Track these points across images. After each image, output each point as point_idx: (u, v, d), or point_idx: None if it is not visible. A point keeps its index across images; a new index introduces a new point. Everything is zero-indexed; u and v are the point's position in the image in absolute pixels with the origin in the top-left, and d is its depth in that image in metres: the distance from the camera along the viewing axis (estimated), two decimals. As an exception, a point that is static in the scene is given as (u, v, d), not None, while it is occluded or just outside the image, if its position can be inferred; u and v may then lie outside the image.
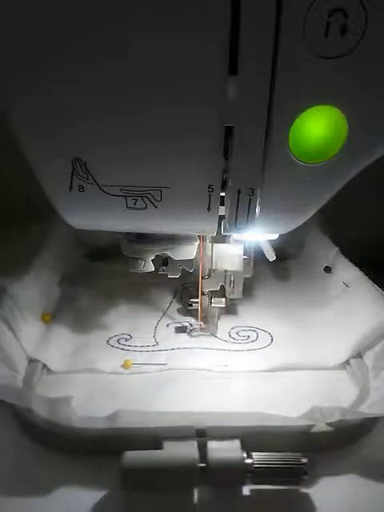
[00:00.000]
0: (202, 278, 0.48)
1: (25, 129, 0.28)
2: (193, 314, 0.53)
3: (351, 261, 0.54)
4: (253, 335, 0.51)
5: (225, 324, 0.53)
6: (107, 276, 0.59)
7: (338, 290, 0.54)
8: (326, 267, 0.57)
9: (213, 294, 0.50)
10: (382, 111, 0.27)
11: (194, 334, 0.51)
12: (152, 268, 0.42)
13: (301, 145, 0.28)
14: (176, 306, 0.56)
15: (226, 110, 0.27)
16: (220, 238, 0.46)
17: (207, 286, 0.50)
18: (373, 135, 0.28)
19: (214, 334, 0.51)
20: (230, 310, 0.55)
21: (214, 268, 0.48)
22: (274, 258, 0.44)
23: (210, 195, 0.31)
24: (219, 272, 0.48)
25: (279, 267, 0.63)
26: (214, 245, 0.47)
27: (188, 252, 0.41)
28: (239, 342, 0.50)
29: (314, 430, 0.36)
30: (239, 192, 0.30)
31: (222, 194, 0.32)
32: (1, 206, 0.58)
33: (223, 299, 0.51)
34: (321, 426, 0.36)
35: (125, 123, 0.28)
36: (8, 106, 0.27)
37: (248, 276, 0.50)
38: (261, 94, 0.26)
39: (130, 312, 0.54)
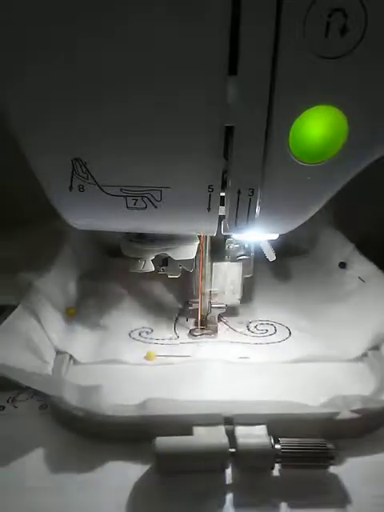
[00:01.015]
0: (202, 278, 0.49)
1: (25, 129, 0.28)
2: (193, 314, 0.53)
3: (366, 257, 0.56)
4: (271, 329, 0.52)
5: (243, 318, 0.54)
6: (126, 271, 0.59)
7: (353, 284, 0.55)
8: (341, 263, 0.58)
9: (213, 294, 0.51)
10: (382, 111, 0.27)
11: (195, 333, 0.51)
12: (152, 268, 0.42)
13: (301, 145, 0.28)
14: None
15: (226, 110, 0.27)
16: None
17: (207, 286, 0.50)
18: (373, 135, 0.28)
19: (214, 334, 0.51)
20: (246, 304, 0.56)
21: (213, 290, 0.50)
22: (274, 257, 0.44)
23: (209, 195, 0.31)
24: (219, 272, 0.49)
25: (293, 263, 0.64)
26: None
27: (188, 252, 0.42)
28: (258, 335, 0.52)
29: (338, 417, 0.37)
30: (239, 192, 0.30)
31: (222, 194, 0.32)
32: (22, 202, 0.59)
33: (223, 299, 0.51)
34: (344, 414, 0.37)
35: (125, 123, 0.28)
36: (8, 106, 0.27)
37: (248, 276, 0.50)
38: (261, 94, 0.26)
39: (150, 306, 0.56)
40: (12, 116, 0.28)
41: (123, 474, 0.36)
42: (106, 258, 0.64)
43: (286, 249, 0.63)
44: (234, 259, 0.48)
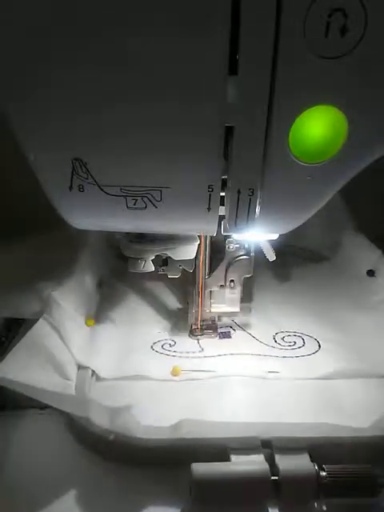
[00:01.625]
0: (202, 278, 0.48)
1: (25, 129, 0.28)
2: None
3: None
4: (299, 341, 0.50)
5: (267, 329, 0.52)
6: (142, 277, 0.57)
7: (383, 294, 0.53)
8: (370, 271, 0.56)
9: (213, 294, 0.50)
10: (382, 111, 0.27)
11: (196, 333, 0.51)
12: (152, 268, 0.42)
13: (301, 145, 0.28)
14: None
15: (226, 110, 0.27)
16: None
17: (207, 287, 0.49)
18: (373, 135, 0.28)
19: (214, 334, 0.51)
20: (270, 313, 0.54)
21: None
22: (274, 257, 0.44)
23: (209, 195, 0.31)
24: (219, 272, 0.48)
25: (314, 270, 0.62)
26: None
27: (188, 252, 0.41)
28: (286, 347, 0.49)
29: None
30: (239, 192, 0.30)
31: (222, 193, 0.32)
32: (36, 211, 0.58)
33: (223, 300, 0.51)
34: None
35: (125, 123, 0.28)
36: (8, 106, 0.27)
37: (248, 276, 0.50)
38: (261, 94, 0.26)
39: (170, 315, 0.54)
40: (12, 116, 0.28)
41: (157, 502, 0.34)
42: (123, 264, 0.60)
43: (308, 255, 0.62)
44: (233, 261, 0.48)
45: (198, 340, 0.50)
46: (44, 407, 0.41)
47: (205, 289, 0.49)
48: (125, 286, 0.58)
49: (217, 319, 0.52)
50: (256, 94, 0.26)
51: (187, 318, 0.53)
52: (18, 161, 0.30)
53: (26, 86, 0.27)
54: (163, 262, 0.44)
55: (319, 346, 0.49)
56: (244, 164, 0.29)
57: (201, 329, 0.51)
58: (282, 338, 0.51)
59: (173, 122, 0.28)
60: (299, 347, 0.49)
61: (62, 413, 0.39)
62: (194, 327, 0.52)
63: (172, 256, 0.42)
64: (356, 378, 0.44)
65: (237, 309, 0.51)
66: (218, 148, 0.28)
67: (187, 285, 0.52)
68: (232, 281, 0.49)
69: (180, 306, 0.56)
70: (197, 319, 0.51)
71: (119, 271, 0.60)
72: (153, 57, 0.25)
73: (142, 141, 0.28)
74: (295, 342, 0.50)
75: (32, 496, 0.34)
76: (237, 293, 0.51)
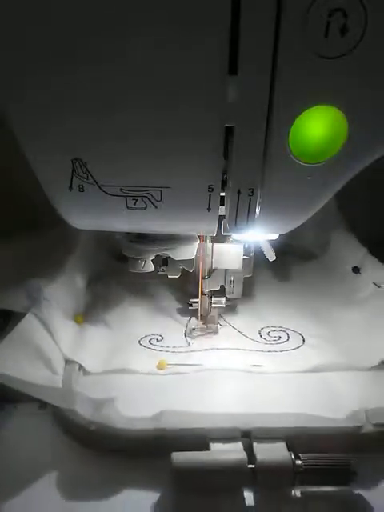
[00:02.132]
0: (203, 278, 0.48)
1: (25, 129, 0.28)
2: (194, 314, 0.53)
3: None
4: (284, 336, 0.51)
5: (254, 324, 0.53)
6: (134, 276, 0.58)
7: (367, 290, 0.54)
8: (355, 267, 0.57)
9: (213, 294, 0.50)
10: (382, 111, 0.27)
11: (195, 333, 0.51)
12: (152, 268, 0.42)
13: (301, 145, 0.28)
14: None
15: (226, 110, 0.27)
16: (220, 238, 0.46)
17: (207, 286, 0.50)
18: (373, 135, 0.28)
19: (214, 334, 0.51)
20: (257, 310, 0.55)
21: (213, 267, 0.48)
22: (274, 257, 0.44)
23: (209, 195, 0.31)
24: (219, 272, 0.48)
25: (303, 267, 0.63)
26: (214, 245, 0.47)
27: (188, 252, 0.41)
28: (271, 342, 0.50)
29: (361, 431, 0.36)
30: (239, 192, 0.30)
31: (222, 194, 0.32)
32: (31, 209, 0.58)
33: (223, 299, 0.51)
34: (367, 428, 0.36)
35: (125, 123, 0.28)
36: (8, 106, 0.27)
37: (248, 276, 0.50)
38: (261, 94, 0.26)
39: (160, 312, 0.55)
40: (12, 116, 0.28)
41: (136, 491, 0.34)
42: (114, 262, 0.63)
43: (294, 252, 0.63)
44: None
45: (192, 338, 0.51)
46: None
47: (205, 289, 0.49)
48: (115, 285, 0.58)
49: (216, 319, 0.52)
50: (256, 94, 0.26)
51: (185, 319, 0.53)
52: (18, 160, 0.30)
53: (26, 86, 0.27)
54: (163, 261, 0.44)
55: (303, 340, 0.50)
56: (244, 164, 0.29)
57: (201, 329, 0.51)
58: (268, 333, 0.52)
59: (173, 122, 0.28)
60: (284, 342, 0.50)
61: (47, 405, 0.40)
62: (194, 327, 0.52)
63: (172, 256, 0.42)
64: (337, 372, 0.45)
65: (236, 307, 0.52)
66: (217, 148, 0.28)
67: (187, 285, 0.52)
68: (232, 281, 0.49)
69: (169, 304, 0.56)
70: (197, 319, 0.51)
71: (111, 270, 0.61)
72: (152, 57, 0.25)
73: (142, 141, 0.28)
74: (280, 337, 0.51)
75: (14, 484, 0.35)
76: (237, 293, 0.51)
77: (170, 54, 0.25)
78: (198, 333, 0.51)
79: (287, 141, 0.28)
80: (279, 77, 0.25)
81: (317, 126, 0.27)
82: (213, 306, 0.51)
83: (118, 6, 0.24)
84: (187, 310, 0.54)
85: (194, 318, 0.53)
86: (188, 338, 0.51)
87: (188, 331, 0.52)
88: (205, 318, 0.52)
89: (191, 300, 0.52)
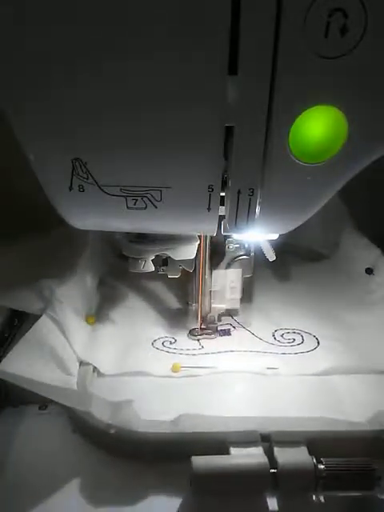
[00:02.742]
0: (203, 278, 0.48)
1: (25, 129, 0.28)
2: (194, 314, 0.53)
3: None
4: (298, 338, 0.51)
5: (267, 326, 0.52)
6: (143, 276, 0.57)
7: (381, 291, 0.53)
8: (368, 269, 0.56)
9: (213, 294, 0.50)
10: (382, 111, 0.27)
11: (195, 333, 0.51)
12: (152, 268, 0.42)
13: (301, 145, 0.28)
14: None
15: (226, 110, 0.27)
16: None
17: (207, 287, 0.49)
18: (373, 135, 0.28)
19: (214, 335, 0.51)
20: (270, 311, 0.55)
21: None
22: (274, 257, 0.44)
23: (209, 195, 0.31)
24: (219, 272, 0.48)
25: (314, 269, 0.62)
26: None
27: (188, 252, 0.41)
28: (285, 344, 0.50)
29: (383, 435, 0.36)
30: (239, 192, 0.30)
31: (222, 194, 0.32)
32: (37, 211, 0.58)
33: (223, 300, 0.51)
34: None
35: (125, 123, 0.28)
36: (8, 106, 0.27)
37: (248, 276, 0.50)
38: (261, 94, 0.26)
39: (170, 313, 0.54)
40: (12, 116, 0.28)
41: (157, 495, 0.34)
42: (121, 262, 0.61)
43: (308, 254, 0.63)
44: (233, 261, 0.48)
45: (197, 339, 0.51)
46: (43, 406, 0.41)
47: (205, 289, 0.49)
48: (125, 285, 0.58)
49: (216, 319, 0.52)
50: (256, 94, 0.26)
51: (187, 319, 0.53)
52: (19, 160, 0.30)
53: (26, 86, 0.27)
54: (163, 261, 0.44)
55: (318, 342, 0.50)
56: (244, 164, 0.29)
57: (201, 329, 0.51)
58: (281, 335, 0.51)
59: (173, 122, 0.28)
60: (298, 344, 0.50)
61: (63, 408, 0.39)
62: (194, 327, 0.52)
63: (172, 256, 0.42)
64: (354, 374, 0.45)
65: (237, 307, 0.52)
66: (217, 148, 0.28)
67: (187, 285, 0.52)
68: (232, 281, 0.49)
69: (180, 306, 0.56)
70: (197, 319, 0.51)
71: (119, 270, 0.60)
72: (153, 57, 0.25)
73: (143, 141, 0.28)
74: (294, 339, 0.50)
75: (33, 490, 0.34)
76: (237, 293, 0.51)
77: (170, 53, 0.25)
78: (198, 333, 0.51)
79: (287, 141, 0.28)
80: (279, 77, 0.25)
81: (317, 126, 0.27)
82: (213, 306, 0.51)
83: (118, 5, 0.24)
84: (187, 310, 0.54)
85: (194, 319, 0.53)
86: (200, 341, 0.50)
87: (188, 332, 0.52)
88: (205, 319, 0.52)
89: (191, 302, 0.52)
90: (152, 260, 0.42)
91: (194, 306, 0.51)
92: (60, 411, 0.41)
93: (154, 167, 0.30)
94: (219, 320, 0.53)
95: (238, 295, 0.51)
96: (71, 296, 0.48)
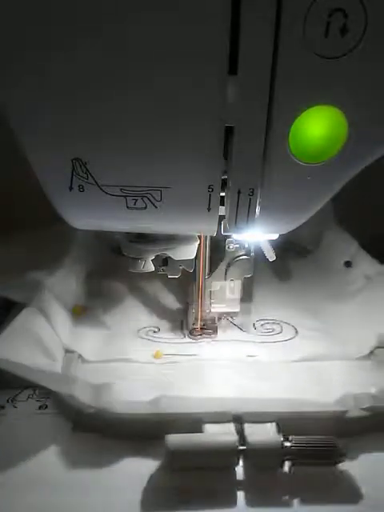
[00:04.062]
0: (202, 278, 0.48)
1: (25, 128, 0.28)
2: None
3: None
4: (277, 328, 0.53)
5: (248, 317, 0.54)
6: (139, 277, 0.58)
7: (358, 283, 0.55)
8: (347, 262, 0.59)
9: (212, 294, 0.50)
10: (382, 111, 0.27)
11: (195, 333, 0.51)
12: (152, 268, 0.42)
13: (301, 145, 0.28)
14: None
15: (226, 109, 0.27)
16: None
17: (207, 287, 0.49)
18: (373, 135, 0.28)
19: (214, 335, 0.51)
20: (252, 303, 0.56)
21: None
22: (274, 257, 0.44)
23: (209, 195, 0.31)
24: (219, 272, 0.48)
25: (297, 263, 0.64)
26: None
27: (188, 252, 0.41)
28: (264, 333, 0.52)
29: (348, 415, 0.38)
30: (239, 192, 0.30)
31: (222, 194, 0.32)
32: (28, 202, 0.58)
33: (223, 299, 0.51)
34: (353, 412, 0.38)
35: (125, 123, 0.28)
36: (7, 106, 0.27)
37: (248, 276, 0.50)
38: (261, 94, 0.26)
39: (157, 304, 0.56)
40: (12, 116, 0.28)
41: (134, 471, 0.36)
42: (113, 256, 0.64)
43: (289, 248, 0.64)
44: (233, 261, 0.48)
45: (198, 336, 0.51)
46: (44, 406, 0.42)
47: (205, 289, 0.49)
48: (113, 278, 0.59)
49: (217, 320, 0.52)
50: (256, 94, 0.26)
51: (186, 320, 0.53)
52: (18, 160, 0.30)
53: (25, 85, 0.27)
54: (163, 261, 0.44)
55: (296, 332, 0.52)
56: (244, 164, 0.29)
57: (201, 329, 0.51)
58: (262, 325, 0.53)
59: (173, 122, 0.28)
60: (277, 333, 0.52)
61: (47, 406, 0.41)
62: (193, 327, 0.52)
63: (172, 256, 0.42)
64: (328, 361, 0.47)
65: (237, 309, 0.52)
66: (218, 148, 0.28)
67: (187, 285, 0.53)
68: (232, 281, 0.49)
69: (178, 306, 0.57)
70: (197, 319, 0.51)
71: (110, 264, 0.62)
72: (152, 57, 0.25)
73: (142, 141, 0.28)
74: (274, 329, 0.53)
75: (16, 466, 0.36)
76: (237, 293, 0.51)
77: (170, 54, 0.25)
78: (198, 333, 0.51)
79: (287, 141, 0.28)
80: (279, 77, 0.25)
81: (317, 126, 0.27)
82: (212, 306, 0.51)
83: (117, 6, 0.24)
84: (187, 310, 0.54)
85: (193, 319, 0.53)
86: (183, 330, 0.52)
87: (188, 331, 0.52)
88: (205, 319, 0.52)
89: (190, 301, 0.52)
90: (152, 260, 0.42)
91: (193, 307, 0.51)
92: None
93: (154, 167, 0.30)
94: (219, 319, 0.53)
95: (237, 295, 0.51)
96: (58, 287, 0.50)
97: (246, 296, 0.55)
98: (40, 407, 0.42)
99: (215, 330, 0.51)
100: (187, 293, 0.54)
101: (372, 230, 0.59)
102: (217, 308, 0.51)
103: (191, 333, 0.51)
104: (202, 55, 0.25)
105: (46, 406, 0.42)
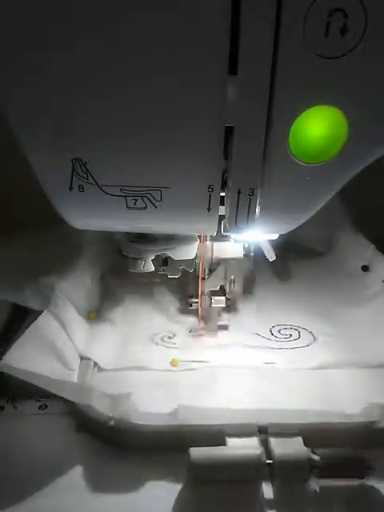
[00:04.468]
0: (202, 278, 0.49)
1: (25, 129, 0.28)
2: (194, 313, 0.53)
3: None
4: (294, 333, 0.52)
5: (265, 322, 0.53)
6: (144, 275, 0.59)
7: (376, 287, 0.55)
8: (364, 266, 0.58)
9: (213, 293, 0.51)
10: (382, 111, 0.27)
11: (195, 333, 0.51)
12: (152, 268, 0.42)
13: (301, 145, 0.28)
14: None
15: (226, 109, 0.27)
16: (219, 238, 0.46)
17: (207, 286, 0.50)
18: (373, 135, 0.28)
19: (214, 333, 0.51)
20: (267, 307, 0.56)
21: (214, 259, 0.48)
22: (274, 257, 0.44)
23: (209, 195, 0.31)
24: (219, 271, 0.48)
25: (310, 265, 0.63)
26: (213, 243, 0.47)
27: (188, 252, 0.42)
28: (282, 340, 0.51)
29: (375, 426, 0.37)
30: (239, 192, 0.30)
31: (222, 194, 0.32)
32: (37, 203, 0.58)
33: (223, 299, 0.51)
34: (381, 423, 0.37)
35: (125, 123, 0.28)
36: (7, 106, 0.27)
37: (248, 275, 0.50)
38: (261, 94, 0.26)
39: (170, 309, 0.55)
40: (12, 116, 0.28)
41: (156, 485, 0.35)
42: (122, 260, 0.62)
43: (304, 251, 0.64)
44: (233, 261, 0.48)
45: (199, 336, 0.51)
46: (44, 406, 0.42)
47: (205, 289, 0.49)
48: (126, 281, 0.59)
49: (217, 316, 0.52)
50: (256, 94, 0.26)
51: (187, 318, 0.53)
52: (19, 160, 0.30)
53: (26, 85, 0.27)
54: (163, 261, 0.44)
55: (314, 338, 0.51)
56: (244, 164, 0.29)
57: (202, 328, 0.51)
58: (279, 331, 0.52)
59: (173, 122, 0.28)
60: (295, 339, 0.51)
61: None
62: (195, 325, 0.52)
63: (172, 256, 0.42)
64: (348, 368, 0.46)
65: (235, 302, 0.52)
66: (218, 148, 0.28)
67: (188, 284, 0.53)
68: (232, 280, 0.49)
69: (179, 304, 0.56)
70: (198, 317, 0.51)
71: (121, 268, 0.60)
72: (153, 57, 0.25)
73: (142, 141, 0.28)
74: (291, 335, 0.51)
75: (34, 484, 0.35)
76: (236, 292, 0.51)
77: (170, 54, 0.25)
78: (198, 333, 0.51)
79: (287, 141, 0.28)
80: (279, 77, 0.25)
81: (317, 126, 0.27)
82: (213, 305, 0.51)
83: (117, 6, 0.24)
84: (187, 310, 0.54)
85: (193, 318, 0.53)
86: (197, 335, 0.51)
87: (188, 331, 0.52)
88: (205, 318, 0.52)
89: (191, 300, 0.52)
90: (152, 260, 0.42)
91: (194, 305, 0.51)
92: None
93: (154, 167, 0.30)
94: (219, 316, 0.53)
95: (238, 294, 0.51)
96: (72, 292, 0.49)
97: (252, 295, 0.55)
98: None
99: (215, 329, 0.51)
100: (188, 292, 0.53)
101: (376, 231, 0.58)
102: (217, 305, 0.51)
103: (191, 332, 0.51)
104: (202, 55, 0.25)
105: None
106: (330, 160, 0.29)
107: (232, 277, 0.49)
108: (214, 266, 0.48)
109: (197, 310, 0.52)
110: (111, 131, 0.28)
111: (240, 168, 0.29)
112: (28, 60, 0.26)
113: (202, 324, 0.52)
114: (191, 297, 0.52)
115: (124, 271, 0.58)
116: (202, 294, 0.50)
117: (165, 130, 0.28)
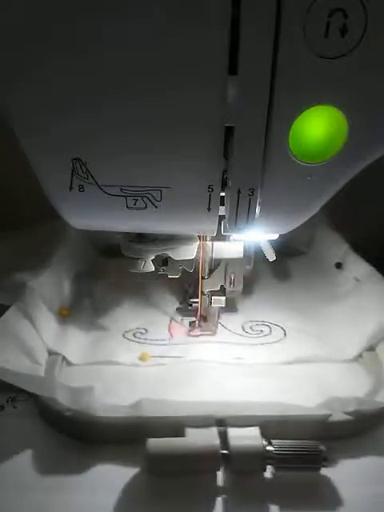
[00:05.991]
0: (202, 278, 0.48)
1: (25, 128, 0.28)
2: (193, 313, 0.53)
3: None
4: (266, 329, 0.52)
5: (238, 318, 0.54)
6: (120, 272, 0.58)
7: (348, 285, 0.55)
8: (337, 263, 0.58)
9: (212, 293, 0.50)
10: (382, 111, 0.27)
11: (194, 333, 0.51)
12: (152, 268, 0.42)
13: (301, 145, 0.28)
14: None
15: (226, 110, 0.27)
16: (220, 238, 0.46)
17: (207, 286, 0.49)
18: (373, 135, 0.28)
19: (214, 333, 0.51)
20: (242, 304, 0.56)
21: (215, 259, 0.48)
22: (274, 257, 0.44)
23: (210, 195, 0.31)
24: (219, 271, 0.48)
25: (289, 264, 0.64)
26: (214, 242, 0.47)
27: (188, 252, 0.41)
28: (253, 335, 0.52)
29: (332, 419, 0.37)
30: (239, 192, 0.30)
31: (222, 193, 0.32)
32: (20, 202, 0.58)
33: (223, 298, 0.51)
34: (338, 416, 0.37)
35: (125, 123, 0.28)
36: (8, 106, 0.27)
37: (248, 275, 0.50)
38: (261, 94, 0.26)
39: (145, 307, 0.56)
40: (12, 116, 0.28)
41: (114, 476, 0.35)
42: (101, 259, 0.64)
43: (285, 250, 0.64)
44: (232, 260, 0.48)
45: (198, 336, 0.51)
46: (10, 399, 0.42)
47: (204, 289, 0.49)
48: (101, 280, 0.59)
49: (217, 319, 0.52)
50: (256, 94, 0.26)
51: (185, 319, 0.53)
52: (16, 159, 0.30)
53: (26, 85, 0.27)
54: (163, 261, 0.44)
55: (285, 333, 0.52)
56: (244, 164, 0.29)
57: (200, 328, 0.51)
58: (250, 327, 0.53)
59: (173, 122, 0.28)
60: (265, 335, 0.52)
61: (29, 396, 0.41)
62: (193, 326, 0.52)
63: (172, 256, 0.42)
64: (314, 363, 0.46)
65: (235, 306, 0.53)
66: (218, 148, 0.28)
67: (184, 283, 0.53)
68: (232, 280, 0.49)
69: (167, 306, 0.56)
70: (196, 318, 0.51)
71: (98, 266, 0.62)
72: (153, 57, 0.25)
73: (142, 141, 0.28)
74: (262, 331, 0.52)
75: (16, 466, 0.36)
76: (237, 290, 0.51)
77: (170, 54, 0.25)
78: (198, 332, 0.51)
79: (287, 141, 0.28)
80: (279, 77, 0.25)
81: (317, 126, 0.27)
82: (212, 305, 0.51)
83: (118, 6, 0.24)
84: (187, 310, 0.54)
85: (193, 318, 0.53)
86: (171, 331, 0.51)
87: (188, 331, 0.52)
88: (204, 318, 0.52)
89: (191, 300, 0.52)
90: (152, 260, 0.42)
91: (194, 305, 0.51)
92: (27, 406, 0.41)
93: (153, 167, 0.30)
94: (219, 317, 0.53)
95: (238, 293, 0.51)
96: (43, 288, 0.49)
97: (241, 296, 0.55)
98: (7, 401, 0.42)
99: (214, 330, 0.51)
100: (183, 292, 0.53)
101: (366, 231, 0.59)
102: (216, 307, 0.51)
103: (190, 333, 0.51)
104: (202, 55, 0.25)
105: (13, 400, 0.41)
106: (330, 160, 0.29)
107: (232, 276, 0.49)
108: (214, 265, 0.48)
109: (196, 310, 0.51)
110: (111, 131, 0.28)
111: (240, 168, 0.29)
112: (29, 64, 0.26)
113: (200, 323, 0.52)
114: (189, 296, 0.52)
115: (101, 270, 0.61)
116: (201, 294, 0.50)
117: (165, 130, 0.28)
